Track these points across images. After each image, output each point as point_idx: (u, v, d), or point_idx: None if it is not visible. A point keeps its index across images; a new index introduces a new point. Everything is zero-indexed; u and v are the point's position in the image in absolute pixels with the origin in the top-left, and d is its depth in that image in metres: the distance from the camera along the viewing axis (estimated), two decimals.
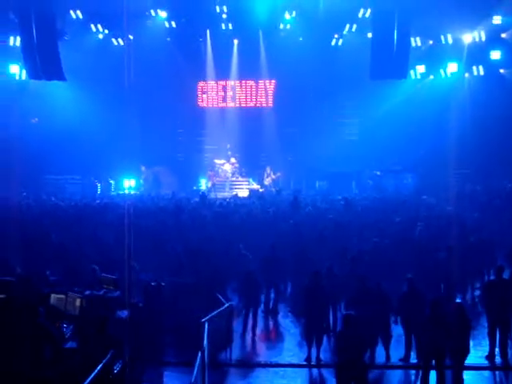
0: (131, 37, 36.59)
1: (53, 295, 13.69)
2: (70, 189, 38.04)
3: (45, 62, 30.83)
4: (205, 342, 12.63)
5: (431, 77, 38.86)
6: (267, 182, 39.47)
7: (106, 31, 37.77)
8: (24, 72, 34.79)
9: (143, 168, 39.52)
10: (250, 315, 16.92)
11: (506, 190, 30.28)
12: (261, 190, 37.20)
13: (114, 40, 38.32)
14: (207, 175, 40.18)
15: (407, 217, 24.52)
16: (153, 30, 37.49)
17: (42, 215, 25.90)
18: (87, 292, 14.46)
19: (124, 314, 13.06)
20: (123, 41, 37.69)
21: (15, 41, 34.63)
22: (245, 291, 16.94)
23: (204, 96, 42.02)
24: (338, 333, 12.22)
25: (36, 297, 13.27)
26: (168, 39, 39.29)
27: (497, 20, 33.92)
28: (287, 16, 36.76)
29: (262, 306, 18.56)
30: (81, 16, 34.99)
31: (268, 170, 39.82)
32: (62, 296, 13.74)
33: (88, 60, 37.03)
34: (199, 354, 11.87)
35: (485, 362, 14.77)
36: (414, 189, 35.99)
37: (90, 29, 37.03)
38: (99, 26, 37.20)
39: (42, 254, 19.12)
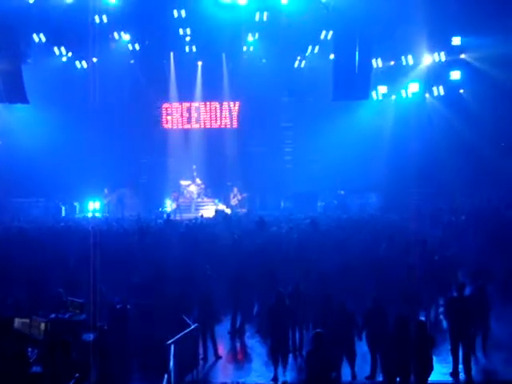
0: (95, 59, 36.85)
1: (17, 319, 13.59)
2: (34, 211, 37.78)
3: (8, 85, 30.72)
4: (171, 364, 12.63)
5: (393, 97, 39.40)
6: (233, 202, 39.61)
7: (70, 54, 37.65)
8: None
9: (106, 190, 39.39)
10: (208, 337, 16.90)
11: (468, 208, 30.65)
12: (227, 211, 37.28)
13: (77, 63, 38.32)
14: (172, 196, 40.16)
15: (371, 236, 24.74)
16: (117, 52, 37.54)
17: (5, 238, 25.65)
18: (52, 315, 14.37)
19: (90, 337, 13.02)
20: (87, 63, 37.79)
21: None
22: (201, 314, 16.87)
23: (168, 118, 42.13)
24: (307, 351, 12.28)
25: None
26: (132, 61, 39.41)
27: (456, 41, 34.57)
28: (250, 38, 37.04)
29: (229, 326, 18.64)
30: (44, 39, 34.65)
31: (235, 190, 39.98)
32: (27, 320, 13.65)
33: (52, 83, 36.92)
34: (165, 377, 11.87)
35: (449, 379, 14.92)
36: (378, 208, 36.35)
37: (54, 52, 36.80)
38: (62, 49, 37.03)
39: (5, 278, 18.94)
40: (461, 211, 30.02)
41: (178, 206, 39.21)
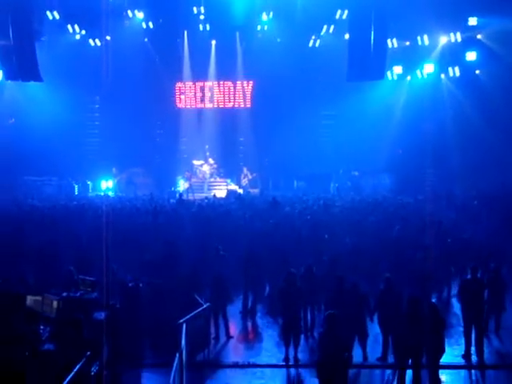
0: (108, 38, 36.71)
1: (29, 297, 13.59)
2: (47, 190, 37.85)
3: (21, 62, 30.57)
4: (183, 343, 12.63)
5: (408, 78, 39.13)
6: (244, 182, 39.56)
7: (83, 32, 37.64)
8: (0, 73, 34.48)
9: (114, 170, 39.36)
10: (220, 317, 16.91)
11: (484, 191, 30.46)
12: (239, 191, 37.23)
13: (91, 41, 38.22)
14: (185, 176, 40.12)
15: (384, 217, 24.65)
16: (130, 30, 37.47)
17: (19, 217, 25.72)
18: (64, 294, 14.38)
19: (101, 315, 13.02)
20: (100, 42, 37.64)
21: None
22: (213, 294, 16.86)
23: (182, 97, 41.98)
24: (320, 332, 12.24)
25: (12, 299, 13.17)
26: (145, 40, 39.30)
27: (472, 21, 34.19)
28: (264, 17, 36.86)
29: (240, 306, 18.65)
30: (58, 17, 34.67)
31: (245, 170, 39.92)
32: (39, 298, 13.66)
33: (65, 61, 36.84)
34: (177, 355, 11.86)
35: (461, 361, 14.87)
36: (392, 189, 36.20)
37: (67, 30, 36.84)
38: (76, 27, 37.05)
39: (18, 256, 19.01)
40: (474, 194, 29.85)
41: (190, 185, 39.18)
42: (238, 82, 41.61)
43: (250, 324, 18.34)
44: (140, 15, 37.01)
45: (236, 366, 14.92)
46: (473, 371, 14.59)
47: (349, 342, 13.22)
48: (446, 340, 13.41)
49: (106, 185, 39.24)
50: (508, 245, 20.30)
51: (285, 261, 18.28)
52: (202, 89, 41.86)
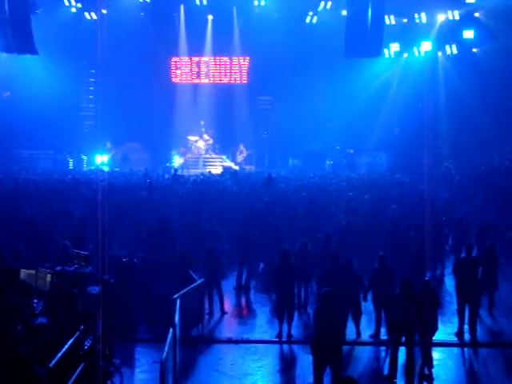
0: (104, 11, 36.43)
1: (23, 270, 13.58)
2: (42, 164, 37.77)
3: (17, 35, 30.34)
4: (176, 318, 12.65)
5: (405, 55, 38.97)
6: (239, 159, 39.50)
7: (79, 5, 37.28)
8: None
9: (109, 144, 39.24)
10: (214, 293, 16.94)
11: (479, 169, 30.49)
12: (234, 167, 37.18)
13: (87, 14, 37.87)
14: (180, 151, 40.02)
15: (379, 195, 24.66)
16: (126, 4, 37.20)
17: (13, 189, 25.67)
18: (58, 268, 14.37)
19: (95, 289, 13.02)
20: (96, 15, 37.33)
21: None
22: (207, 270, 16.86)
23: (177, 72, 41.77)
24: (316, 309, 12.26)
25: (5, 272, 13.14)
26: (142, 14, 38.96)
27: None
28: None
29: (234, 282, 18.69)
30: None
31: (241, 147, 39.86)
32: (33, 271, 13.64)
33: (60, 34, 36.62)
34: (171, 331, 11.88)
35: (454, 339, 14.94)
36: (388, 167, 36.19)
37: (63, 2, 36.50)
38: (72, 0, 36.70)
39: (13, 229, 18.97)
40: (468, 173, 29.87)
41: (185, 161, 39.10)
42: (235, 58, 41.41)
43: (243, 300, 18.41)
44: None
45: (229, 341, 14.96)
46: (465, 349, 14.64)
47: (344, 319, 13.26)
48: (439, 318, 13.47)
49: (101, 159, 39.14)
50: (501, 222, 20.38)
51: (279, 238, 18.31)
52: (198, 64, 41.64)
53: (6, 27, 30.00)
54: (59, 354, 9.33)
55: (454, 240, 20.89)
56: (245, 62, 41.25)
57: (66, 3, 36.70)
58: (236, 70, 41.43)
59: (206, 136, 40.36)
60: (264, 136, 40.63)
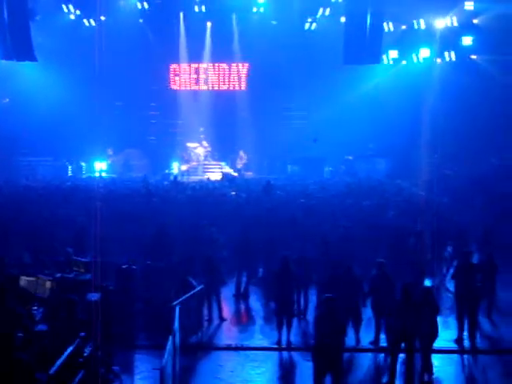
0: (103, 18, 36.44)
1: (23, 277, 13.61)
2: (41, 171, 37.77)
3: (16, 42, 30.46)
4: (176, 325, 12.64)
5: (404, 62, 38.94)
6: (239, 165, 39.54)
7: (78, 12, 37.28)
8: None
9: (110, 151, 39.26)
10: (214, 299, 16.92)
11: (478, 175, 30.50)
12: (233, 174, 37.19)
13: (85, 21, 37.87)
14: (184, 157, 40.04)
15: (378, 202, 24.65)
16: (125, 11, 37.20)
17: (13, 196, 25.67)
18: (58, 275, 14.38)
19: (95, 296, 13.02)
20: (95, 22, 37.37)
21: None
22: (206, 276, 16.85)
23: (176, 78, 41.76)
24: (317, 316, 12.25)
25: (5, 279, 13.16)
26: (140, 21, 38.94)
27: (469, 6, 34.13)
28: None
29: (234, 289, 18.68)
30: None
31: (241, 153, 39.89)
32: (33, 278, 13.66)
33: (59, 41, 36.66)
34: (170, 338, 11.88)
35: (453, 346, 14.93)
36: (386, 174, 36.19)
37: (62, 9, 36.52)
38: (71, 7, 36.71)
39: (12, 236, 18.97)
40: (467, 178, 29.89)
41: (188, 168, 39.20)
42: (233, 64, 41.39)
43: (243, 307, 18.39)
44: None
45: (229, 348, 14.95)
46: (465, 356, 14.64)
47: (346, 325, 13.26)
48: (439, 324, 13.47)
49: (100, 166, 39.13)
50: (502, 228, 20.39)
51: (278, 244, 18.31)
52: (197, 70, 41.63)
53: (5, 34, 30.13)
54: (59, 361, 9.34)
55: (453, 246, 20.89)
56: (244, 69, 41.23)
57: (65, 10, 36.69)
58: (235, 76, 41.34)
59: (204, 143, 40.39)
60: (262, 144, 40.52)
